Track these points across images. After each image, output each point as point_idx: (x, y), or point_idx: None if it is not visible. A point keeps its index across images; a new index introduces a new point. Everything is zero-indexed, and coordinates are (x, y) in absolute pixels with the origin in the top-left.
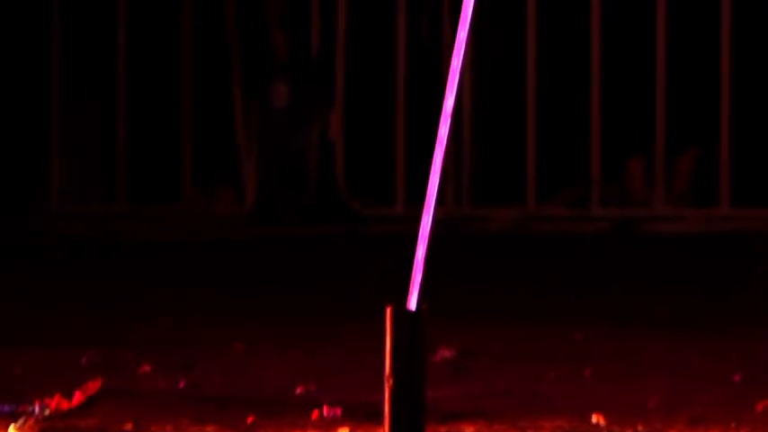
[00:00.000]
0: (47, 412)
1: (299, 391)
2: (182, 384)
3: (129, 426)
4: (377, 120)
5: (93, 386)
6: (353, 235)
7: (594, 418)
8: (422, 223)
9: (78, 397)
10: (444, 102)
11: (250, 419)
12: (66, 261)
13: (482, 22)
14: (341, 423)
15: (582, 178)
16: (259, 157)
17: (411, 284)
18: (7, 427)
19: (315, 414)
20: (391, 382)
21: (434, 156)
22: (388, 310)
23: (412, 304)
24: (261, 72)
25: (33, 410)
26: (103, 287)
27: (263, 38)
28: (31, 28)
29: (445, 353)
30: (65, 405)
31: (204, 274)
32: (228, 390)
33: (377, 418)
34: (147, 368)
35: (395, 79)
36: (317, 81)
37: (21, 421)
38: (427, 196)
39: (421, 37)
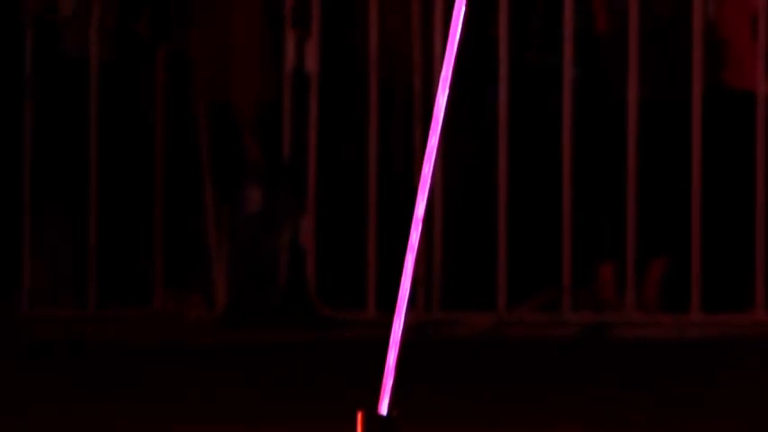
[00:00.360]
0: None
1: None
2: None
3: None
4: (348, 224)
5: None
6: (324, 339)
7: None
8: (393, 328)
9: None
10: (415, 207)
11: None
12: (35, 363)
13: (453, 128)
14: None
15: (553, 283)
16: (229, 260)
17: (382, 389)
18: None
19: None
20: None
21: (405, 261)
22: (359, 415)
23: (383, 409)
24: (232, 176)
25: None
26: (68, 390)
27: (234, 142)
28: (1, 132)
29: None
30: None
31: (171, 378)
32: None
33: None
34: None
35: (366, 184)
36: (288, 186)
37: None
38: (398, 301)
39: (392, 142)
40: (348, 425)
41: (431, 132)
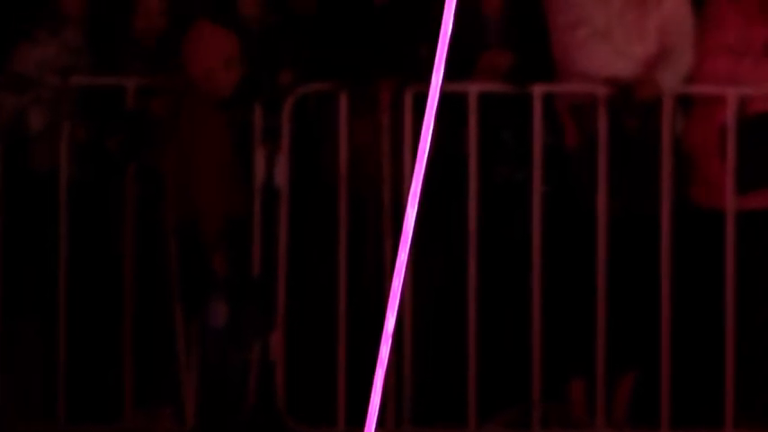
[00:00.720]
0: None
1: None
2: None
3: None
4: (318, 339)
5: None
6: None
7: None
8: None
9: None
10: (385, 322)
11: None
12: None
13: (423, 243)
14: None
15: (523, 400)
16: (199, 375)
17: None
18: None
19: None
20: None
21: (375, 376)
22: None
23: None
24: (201, 291)
25: None
26: None
27: (203, 258)
28: None
29: None
30: None
31: None
32: None
33: None
34: None
35: (336, 299)
36: (257, 301)
37: None
38: (368, 417)
39: (362, 256)
40: None
41: (400, 247)
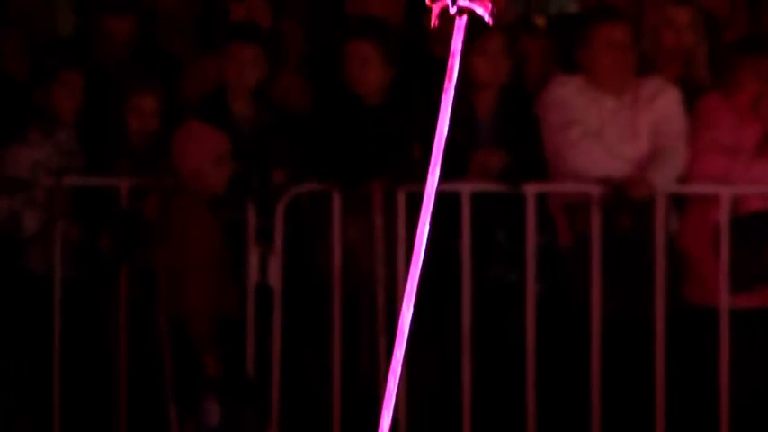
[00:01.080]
0: None
1: None
2: None
3: None
4: None
5: None
6: None
7: None
8: None
9: None
10: (380, 421)
11: None
12: None
13: (417, 342)
14: None
15: None
16: None
17: None
18: None
19: None
20: None
21: None
22: None
23: None
24: (194, 391)
25: None
26: None
27: (195, 357)
28: None
29: None
30: None
31: None
32: None
33: None
34: None
35: (330, 397)
36: (251, 400)
37: None
38: None
39: (356, 355)
40: None
41: (396, 346)
